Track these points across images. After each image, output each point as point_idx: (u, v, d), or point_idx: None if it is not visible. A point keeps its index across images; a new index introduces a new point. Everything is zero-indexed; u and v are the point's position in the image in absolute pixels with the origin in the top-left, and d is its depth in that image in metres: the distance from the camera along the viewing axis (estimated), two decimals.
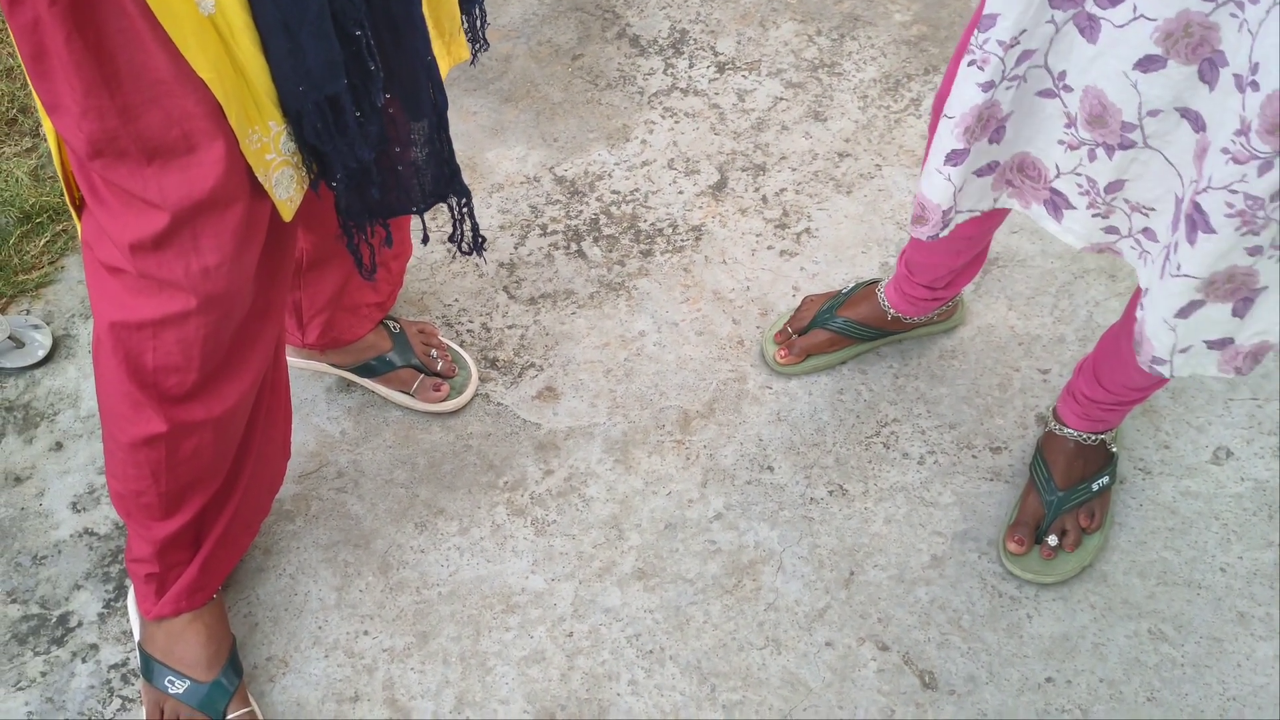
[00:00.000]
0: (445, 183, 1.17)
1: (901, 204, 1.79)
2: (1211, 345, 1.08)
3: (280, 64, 0.92)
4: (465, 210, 1.22)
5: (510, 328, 1.66)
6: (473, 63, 1.25)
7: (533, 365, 1.62)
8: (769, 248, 1.74)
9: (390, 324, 1.56)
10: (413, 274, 1.72)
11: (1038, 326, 1.63)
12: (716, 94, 1.95)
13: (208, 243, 0.99)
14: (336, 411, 1.57)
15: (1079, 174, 1.09)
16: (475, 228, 1.25)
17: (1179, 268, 1.00)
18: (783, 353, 1.59)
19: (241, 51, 0.90)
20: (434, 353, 1.57)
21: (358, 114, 0.99)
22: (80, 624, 1.39)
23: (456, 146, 1.88)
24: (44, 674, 1.36)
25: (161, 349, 1.06)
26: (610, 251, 1.75)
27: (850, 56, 2.01)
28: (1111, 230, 1.13)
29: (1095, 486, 1.41)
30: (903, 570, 1.42)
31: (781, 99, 1.95)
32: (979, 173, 1.15)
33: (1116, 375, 1.31)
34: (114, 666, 1.36)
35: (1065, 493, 1.40)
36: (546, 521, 1.47)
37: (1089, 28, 0.98)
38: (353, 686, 1.35)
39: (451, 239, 1.25)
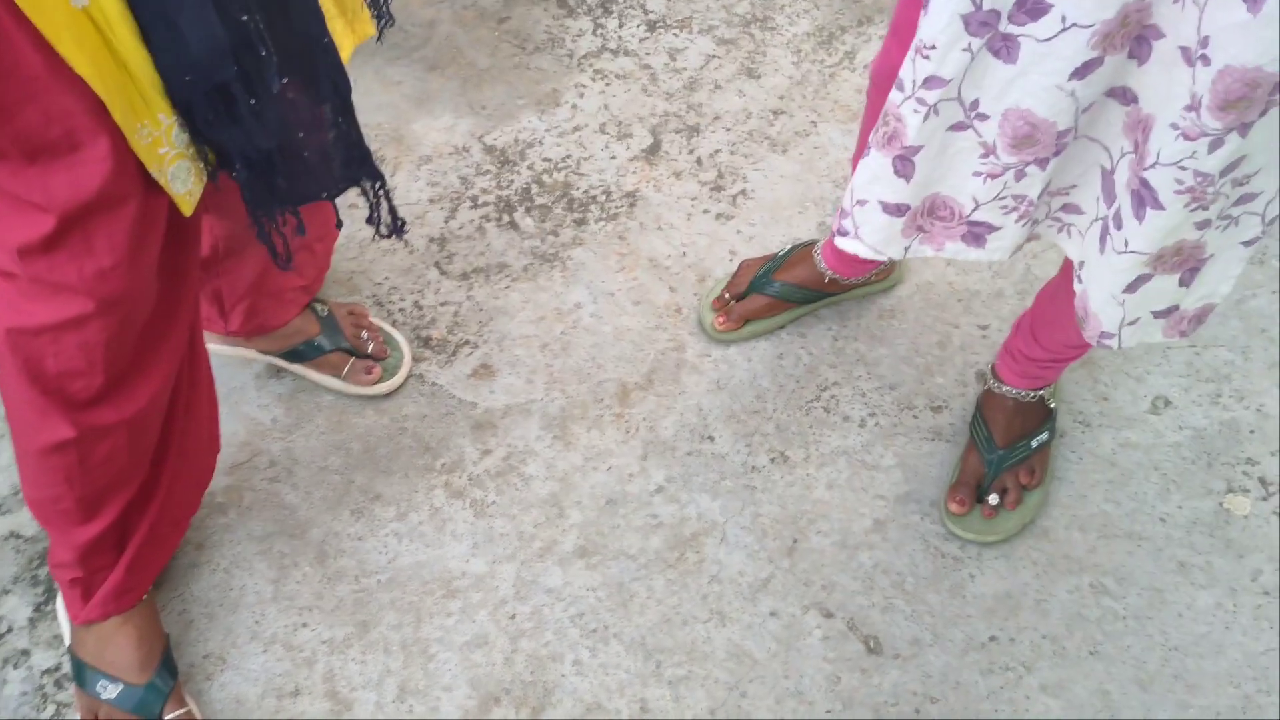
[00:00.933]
0: (355, 166, 1.12)
1: (838, 161, 1.76)
2: (1158, 315, 1.07)
3: (163, 54, 0.88)
4: (380, 193, 1.18)
5: (443, 305, 1.63)
6: (379, 39, 1.20)
7: (467, 343, 1.59)
8: (705, 211, 1.72)
9: (318, 307, 1.52)
10: (340, 253, 1.67)
11: (976, 282, 1.62)
12: (647, 54, 1.91)
13: (101, 244, 0.95)
14: (266, 399, 1.54)
15: (1004, 197, 1.05)
16: (393, 210, 1.21)
17: (1126, 244, 0.98)
18: (720, 319, 1.56)
19: (120, 44, 0.85)
20: (364, 334, 1.53)
21: (252, 101, 0.95)
22: (10, 629, 1.36)
23: (381, 118, 1.83)
24: None
25: (63, 354, 1.02)
26: (543, 221, 1.71)
27: (783, 10, 1.97)
28: (1032, 224, 1.11)
29: (1034, 443, 1.41)
30: (845, 536, 1.41)
31: (714, 57, 1.91)
32: (886, 209, 1.11)
33: (1054, 334, 1.31)
34: (47, 671, 1.33)
35: (1005, 451, 1.40)
36: (485, 503, 1.45)
37: (1005, 49, 0.92)
38: (292, 680, 1.32)
39: (369, 221, 1.21)
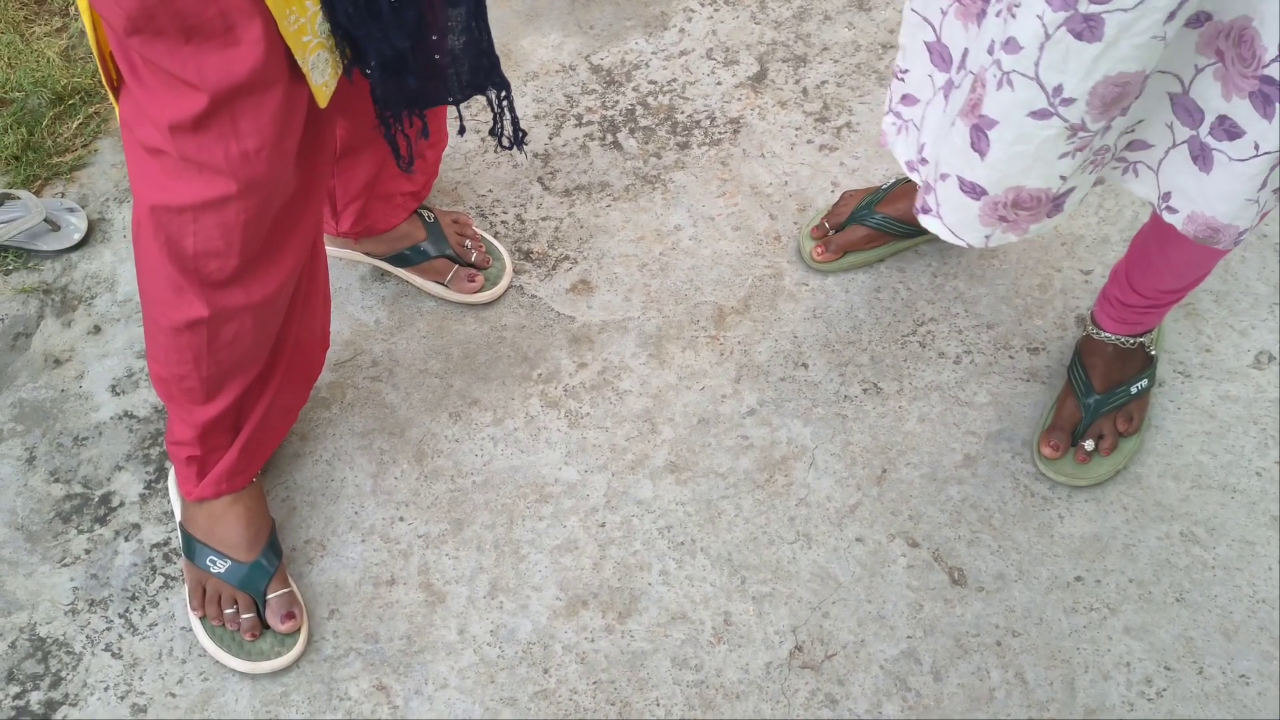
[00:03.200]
0: (484, 74, 1.14)
1: None
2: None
3: None
4: (505, 103, 1.19)
5: (544, 220, 1.65)
6: None
7: (567, 258, 1.61)
8: (808, 142, 1.71)
9: (425, 213, 1.55)
10: (447, 163, 1.70)
11: (1081, 226, 1.60)
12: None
13: (247, 126, 0.98)
14: (371, 301, 1.57)
15: (1089, 161, 1.04)
16: (515, 121, 1.22)
17: (1256, 148, 0.96)
18: (820, 249, 1.57)
19: None
20: (468, 243, 1.56)
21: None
22: (122, 504, 1.42)
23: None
24: (88, 551, 1.39)
25: (202, 233, 1.05)
26: (646, 143, 1.72)
27: None
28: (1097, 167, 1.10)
29: (1134, 390, 1.40)
30: (935, 469, 1.42)
31: None
32: (963, 187, 1.09)
33: (1148, 279, 1.29)
34: (156, 545, 1.39)
35: (1102, 396, 1.39)
36: (580, 414, 1.48)
37: (1087, 29, 0.90)
38: (389, 570, 1.37)
39: (492, 133, 1.22)
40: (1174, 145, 1.04)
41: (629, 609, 1.34)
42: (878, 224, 1.54)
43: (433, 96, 1.13)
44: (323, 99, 1.02)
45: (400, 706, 1.28)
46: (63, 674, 1.30)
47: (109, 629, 1.34)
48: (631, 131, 1.73)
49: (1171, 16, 0.89)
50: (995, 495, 1.40)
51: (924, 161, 1.17)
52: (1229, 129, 0.98)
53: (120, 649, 1.32)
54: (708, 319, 1.55)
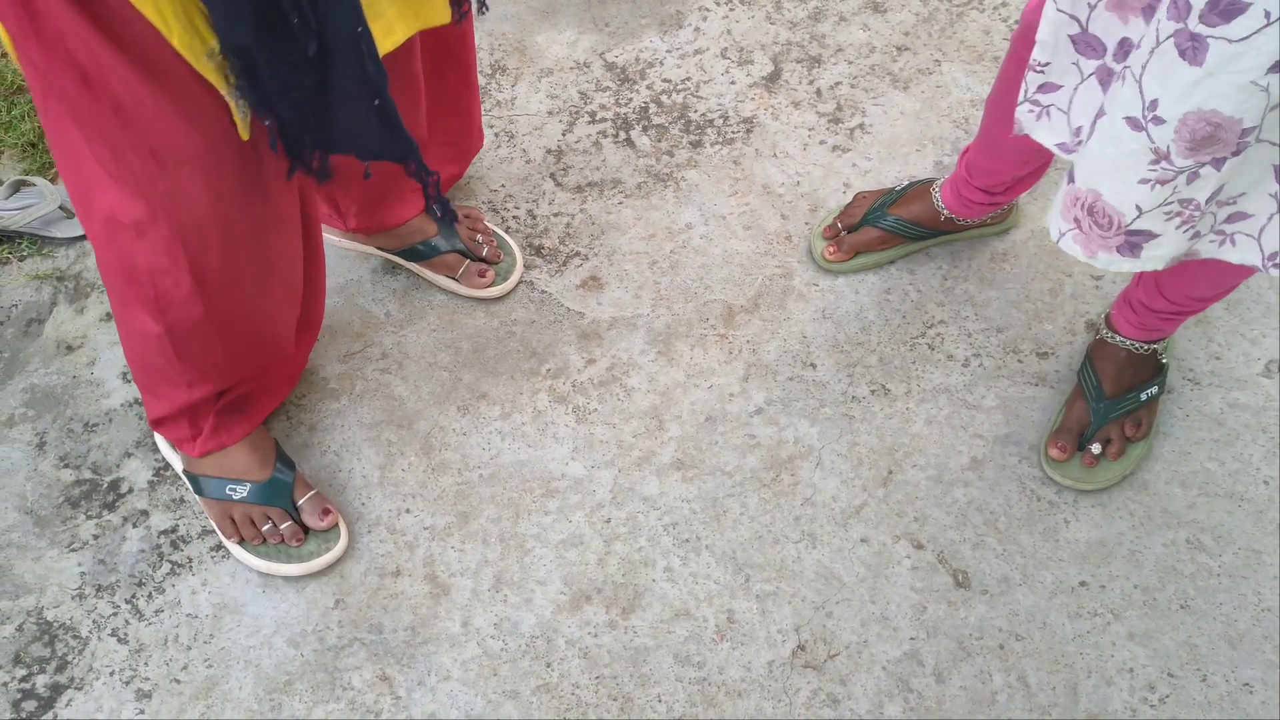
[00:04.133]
0: (393, 150, 1.08)
1: (959, 102, 1.74)
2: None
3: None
4: (427, 180, 1.14)
5: (556, 215, 1.65)
6: (458, 21, 1.15)
7: (578, 254, 1.61)
8: (821, 142, 1.71)
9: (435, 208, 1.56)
10: None
11: None
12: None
13: (159, 144, 0.99)
14: (381, 293, 1.58)
15: (1170, 203, 1.01)
16: (442, 201, 1.18)
17: None
18: (831, 249, 1.57)
19: None
20: (479, 238, 1.56)
21: (277, 67, 0.93)
22: (131, 490, 1.43)
23: (506, 28, 1.84)
24: (96, 537, 1.40)
25: (148, 250, 1.07)
26: (659, 141, 1.72)
27: None
28: (1195, 236, 1.07)
29: (1144, 396, 1.40)
30: (941, 471, 1.42)
31: None
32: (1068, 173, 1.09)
33: (1180, 285, 1.29)
34: (164, 532, 1.40)
35: (1112, 401, 1.39)
36: (588, 409, 1.48)
37: (1192, 49, 0.88)
38: (394, 561, 1.38)
39: (426, 210, 1.19)
40: (1272, 215, 1.02)
41: (633, 605, 1.34)
42: (890, 226, 1.54)
43: (342, 147, 1.08)
44: (243, 131, 1.01)
45: (403, 698, 1.28)
46: (69, 658, 1.31)
47: (115, 614, 1.35)
48: (644, 129, 1.73)
49: (1276, 67, 0.87)
50: (1001, 499, 1.40)
51: (1080, 143, 1.15)
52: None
53: (126, 634, 1.33)
54: (717, 317, 1.55)
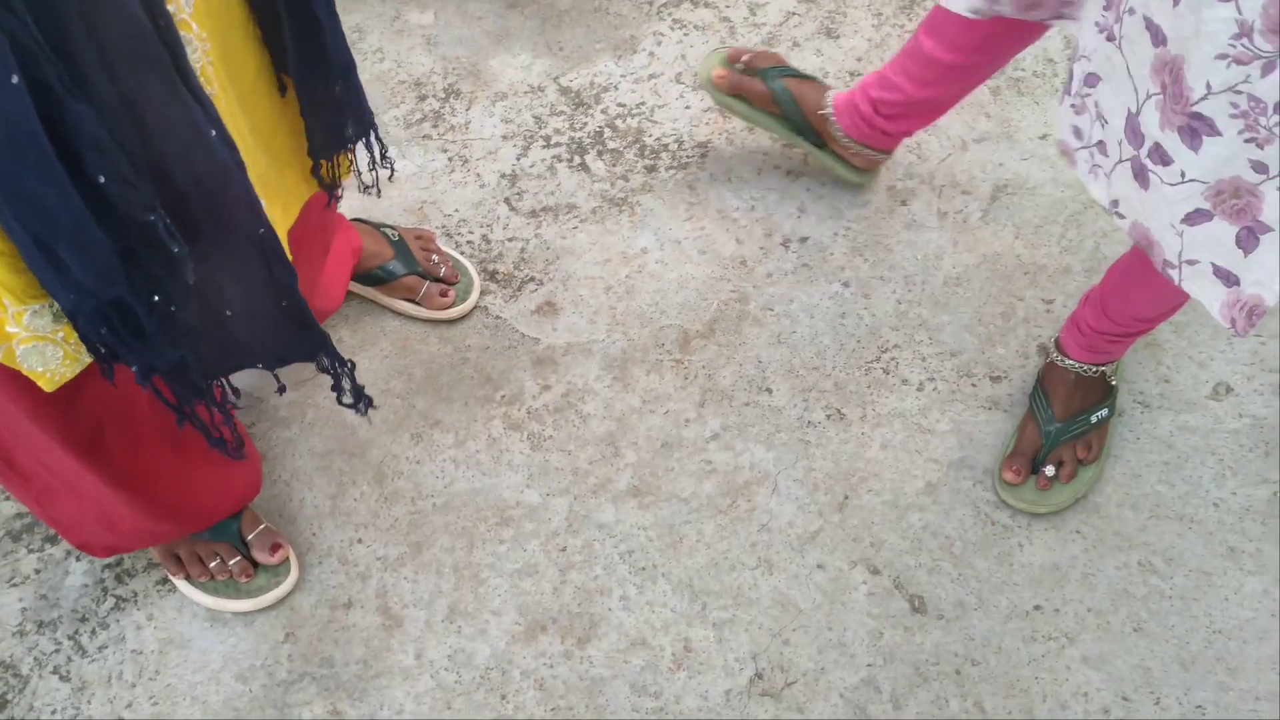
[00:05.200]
0: (304, 350, 1.01)
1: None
2: (1217, 273, 1.07)
3: (39, 274, 0.77)
4: (339, 370, 1.06)
5: (510, 240, 1.64)
6: (331, 204, 1.12)
7: (533, 279, 1.60)
8: (775, 167, 1.71)
9: (389, 231, 1.54)
10: (412, 182, 1.69)
11: (1044, 256, 1.61)
12: (727, 6, 1.90)
13: None
14: (334, 319, 1.56)
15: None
16: (356, 387, 1.09)
17: (1182, 175, 0.99)
18: (721, 73, 1.59)
19: None
20: (435, 258, 1.55)
21: (156, 299, 0.81)
22: None
23: (460, 51, 1.83)
24: (38, 571, 1.36)
25: None
26: (614, 166, 1.72)
27: None
28: (1077, 132, 1.13)
29: (1094, 419, 1.41)
30: (896, 496, 1.42)
31: (794, 14, 1.90)
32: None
33: (1123, 306, 1.30)
34: (108, 566, 1.37)
35: (1064, 424, 1.40)
36: (543, 436, 1.47)
37: None
38: (346, 593, 1.35)
39: (333, 389, 1.09)
40: (1121, 160, 1.07)
41: (588, 634, 1.33)
42: (777, 90, 1.57)
43: (232, 366, 0.99)
44: (48, 385, 0.87)
45: None
46: (9, 697, 1.28)
47: (58, 651, 1.31)
48: (599, 154, 1.73)
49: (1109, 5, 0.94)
50: (956, 523, 1.40)
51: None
52: (1158, 156, 1.01)
53: (69, 672, 1.30)
54: (672, 342, 1.55)
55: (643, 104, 1.79)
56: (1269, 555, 1.37)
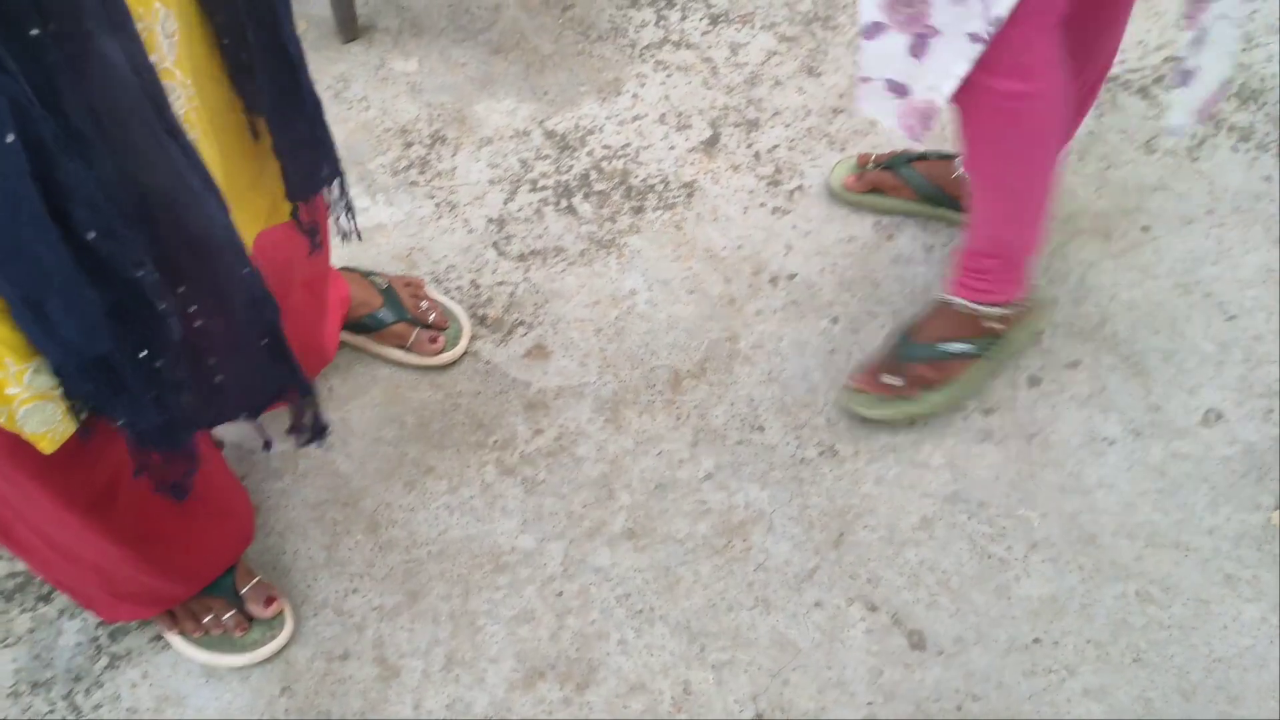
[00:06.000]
0: (281, 384, 1.01)
1: None
2: (891, 88, 1.17)
3: (27, 330, 0.77)
4: (305, 403, 1.06)
5: (499, 285, 1.64)
6: (313, 250, 1.13)
7: (522, 323, 1.61)
8: (761, 205, 1.73)
9: (377, 279, 1.54)
10: (400, 229, 1.70)
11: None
12: (709, 47, 1.92)
13: None
14: (325, 369, 1.56)
15: None
16: (316, 418, 1.10)
17: None
18: (852, 179, 1.67)
19: None
20: (424, 304, 1.55)
21: (142, 355, 0.82)
22: None
23: (445, 98, 1.85)
24: (31, 630, 1.35)
25: None
26: (601, 208, 1.73)
27: (845, 9, 1.98)
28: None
29: (950, 349, 1.46)
30: (892, 531, 1.42)
31: (775, 53, 1.92)
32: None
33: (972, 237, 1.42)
34: (101, 624, 1.36)
35: (918, 345, 1.47)
36: (536, 481, 1.47)
37: None
38: (342, 644, 1.34)
39: (290, 430, 1.09)
40: None
41: (587, 680, 1.32)
42: (907, 176, 1.64)
43: (215, 419, 0.99)
44: (47, 446, 0.87)
45: None
46: None
47: (52, 712, 1.30)
48: (586, 196, 1.74)
49: None
50: (953, 558, 1.40)
51: None
52: None
53: None
54: (664, 383, 1.55)
55: (628, 145, 1.80)
56: (1266, 582, 1.37)
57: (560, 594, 1.38)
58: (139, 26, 0.71)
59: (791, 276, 1.64)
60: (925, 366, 1.46)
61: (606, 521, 1.43)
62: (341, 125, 1.81)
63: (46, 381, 0.82)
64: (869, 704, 1.30)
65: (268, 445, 1.11)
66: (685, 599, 1.38)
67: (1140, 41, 1.85)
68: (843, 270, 1.64)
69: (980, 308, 1.45)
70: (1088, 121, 1.76)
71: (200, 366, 0.90)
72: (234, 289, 0.88)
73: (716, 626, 1.36)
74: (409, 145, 1.80)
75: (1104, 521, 1.42)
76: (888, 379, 1.45)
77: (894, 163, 1.66)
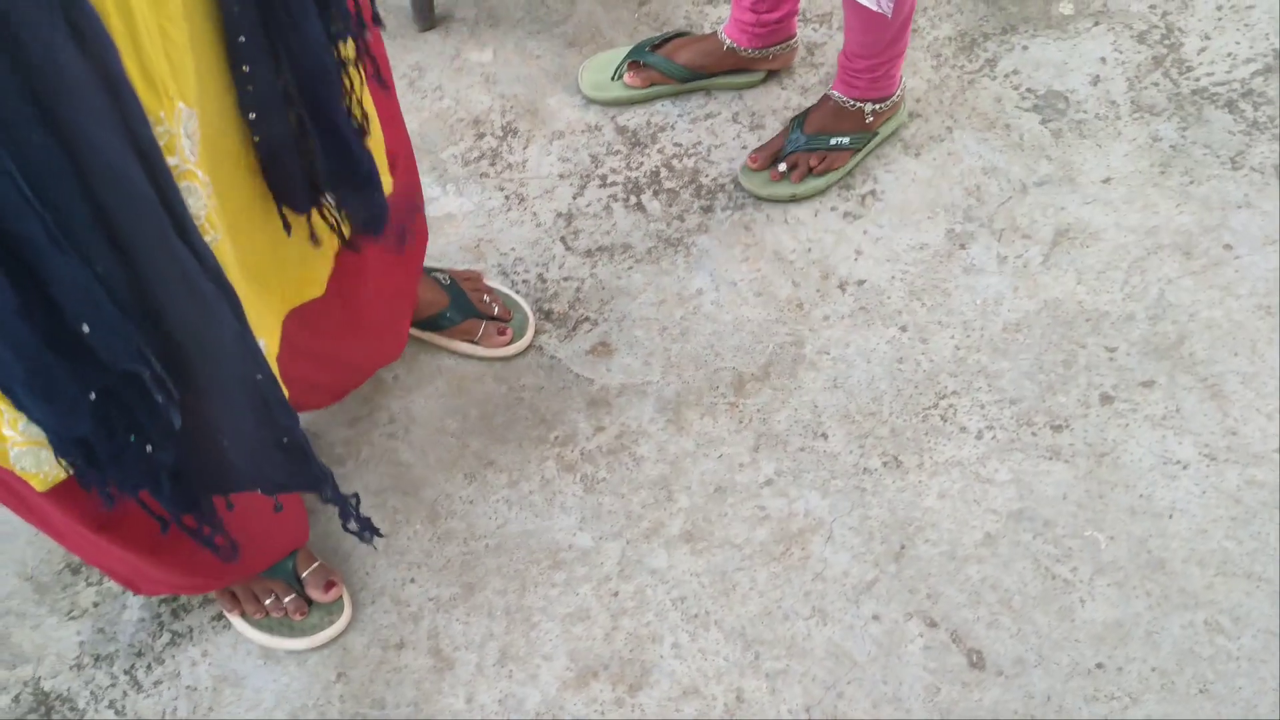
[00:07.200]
0: (306, 483, 0.98)
1: (971, 169, 1.74)
2: None
3: (8, 397, 0.75)
4: (345, 505, 1.03)
5: (566, 280, 1.64)
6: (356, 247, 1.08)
7: (587, 319, 1.60)
8: (832, 209, 1.70)
9: (440, 276, 1.55)
10: (469, 220, 1.70)
11: (1107, 303, 1.58)
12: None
13: None
14: None
15: None
16: (359, 518, 1.06)
17: None
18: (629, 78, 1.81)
19: None
20: (486, 298, 1.56)
21: (133, 439, 0.79)
22: None
23: (518, 90, 1.84)
24: (96, 604, 1.38)
25: None
26: (670, 206, 1.72)
27: (925, 12, 1.94)
28: None
29: (833, 142, 1.67)
30: (954, 547, 1.40)
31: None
32: None
33: (849, 43, 1.59)
34: (164, 600, 1.38)
35: (808, 137, 1.67)
36: (596, 479, 1.46)
37: None
38: (398, 633, 1.35)
39: (341, 517, 1.05)
40: None
41: (640, 682, 1.32)
42: (658, 64, 1.80)
43: (234, 485, 0.95)
44: (40, 485, 0.88)
45: None
46: None
47: (113, 685, 1.32)
48: (655, 194, 1.73)
49: None
50: (1015, 577, 1.38)
51: None
52: None
53: (124, 706, 1.31)
54: (727, 385, 1.54)
55: (699, 144, 1.78)
56: None
57: (616, 594, 1.38)
58: (158, 130, 0.69)
59: (860, 282, 1.62)
60: (813, 156, 1.67)
61: (664, 523, 1.43)
62: (415, 114, 1.81)
63: (39, 432, 0.81)
64: None
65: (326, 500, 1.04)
66: (741, 605, 1.37)
67: (1229, 54, 1.80)
68: (913, 278, 1.62)
69: (865, 105, 1.65)
70: (1171, 134, 1.72)
71: (213, 448, 0.88)
72: (246, 394, 0.86)
73: (772, 635, 1.34)
74: (481, 136, 1.80)
75: (1174, 547, 1.39)
76: (781, 167, 1.67)
77: (635, 54, 1.80)
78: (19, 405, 0.73)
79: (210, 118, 0.79)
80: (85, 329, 0.69)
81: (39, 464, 0.85)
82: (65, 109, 0.62)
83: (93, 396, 0.73)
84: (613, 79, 1.80)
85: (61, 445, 0.77)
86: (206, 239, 0.77)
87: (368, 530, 1.05)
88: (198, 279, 0.75)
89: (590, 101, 1.81)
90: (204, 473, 0.89)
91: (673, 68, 1.79)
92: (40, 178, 0.63)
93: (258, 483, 0.94)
